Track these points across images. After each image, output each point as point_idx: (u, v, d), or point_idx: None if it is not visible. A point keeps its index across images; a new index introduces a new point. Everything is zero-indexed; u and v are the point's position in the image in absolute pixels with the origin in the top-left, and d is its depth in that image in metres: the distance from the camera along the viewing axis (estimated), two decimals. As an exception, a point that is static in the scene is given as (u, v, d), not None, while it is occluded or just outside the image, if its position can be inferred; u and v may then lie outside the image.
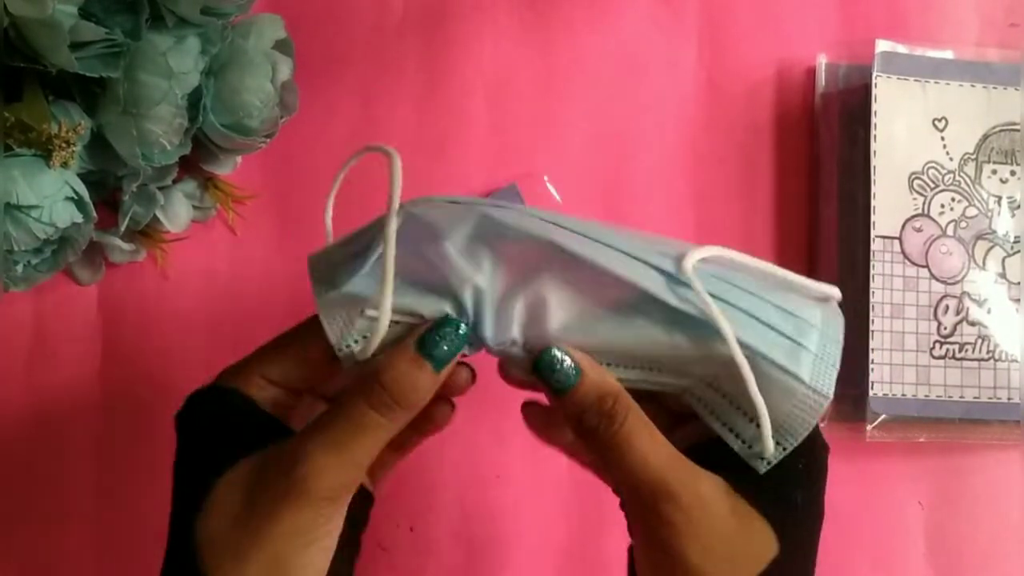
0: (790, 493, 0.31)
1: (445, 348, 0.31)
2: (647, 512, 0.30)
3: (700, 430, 0.33)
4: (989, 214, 0.50)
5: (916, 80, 0.50)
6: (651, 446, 0.31)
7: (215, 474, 0.31)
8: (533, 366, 0.32)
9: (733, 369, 0.30)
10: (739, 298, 0.31)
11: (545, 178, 0.43)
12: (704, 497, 0.30)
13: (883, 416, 0.48)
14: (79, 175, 0.42)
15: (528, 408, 0.37)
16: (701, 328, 0.31)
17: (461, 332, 0.31)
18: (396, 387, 0.30)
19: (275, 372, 0.33)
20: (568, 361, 0.31)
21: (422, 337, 0.31)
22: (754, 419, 0.31)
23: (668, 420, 0.34)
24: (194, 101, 0.43)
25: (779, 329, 0.31)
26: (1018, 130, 0.51)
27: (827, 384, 0.31)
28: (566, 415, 0.32)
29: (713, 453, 0.32)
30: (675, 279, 0.31)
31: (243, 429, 0.32)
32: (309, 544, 0.30)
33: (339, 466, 0.30)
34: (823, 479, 0.32)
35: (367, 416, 0.30)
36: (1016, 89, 0.51)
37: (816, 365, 0.31)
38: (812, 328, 0.32)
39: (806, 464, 0.32)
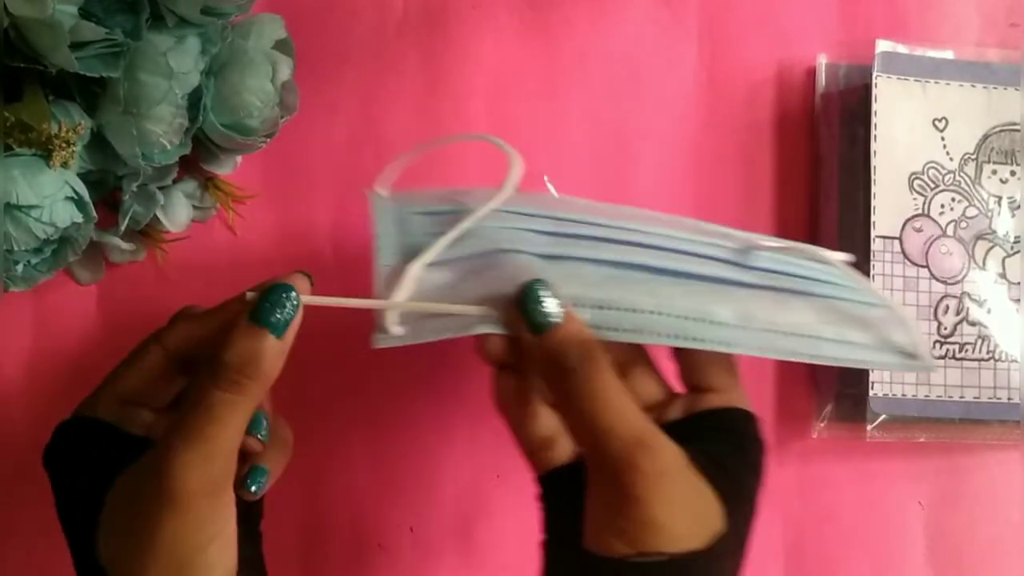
0: (742, 478, 0.34)
1: (279, 314, 0.31)
2: (620, 463, 0.31)
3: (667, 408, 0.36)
4: (989, 214, 0.50)
5: (916, 80, 0.50)
6: (627, 400, 0.32)
7: (97, 502, 0.31)
8: (518, 297, 0.32)
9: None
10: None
11: (545, 178, 0.43)
12: (675, 458, 0.31)
13: (883, 416, 0.48)
14: (79, 175, 0.42)
15: (502, 375, 0.36)
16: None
17: (292, 297, 0.31)
18: (238, 360, 0.30)
19: (122, 390, 0.35)
20: (553, 299, 0.32)
21: (253, 308, 0.31)
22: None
23: None
24: (194, 101, 0.43)
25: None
26: (1018, 130, 0.51)
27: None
28: (542, 355, 0.32)
29: (677, 429, 0.33)
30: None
31: (109, 452, 0.33)
32: (204, 546, 0.30)
33: (203, 458, 0.29)
34: (761, 460, 0.35)
35: (215, 397, 0.30)
36: (1016, 89, 0.51)
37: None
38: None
39: (747, 444, 0.35)
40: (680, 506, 0.31)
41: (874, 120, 0.49)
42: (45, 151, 0.40)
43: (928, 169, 0.50)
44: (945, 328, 0.49)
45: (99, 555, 0.30)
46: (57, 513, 0.33)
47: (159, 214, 0.46)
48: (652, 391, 0.37)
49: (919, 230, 0.49)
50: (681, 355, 0.37)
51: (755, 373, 0.51)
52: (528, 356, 0.33)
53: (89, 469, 0.32)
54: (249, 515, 0.35)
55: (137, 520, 0.30)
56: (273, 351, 0.30)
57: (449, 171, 0.51)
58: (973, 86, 0.51)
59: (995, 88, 0.51)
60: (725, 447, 0.34)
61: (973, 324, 0.49)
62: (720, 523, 0.32)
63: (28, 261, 0.43)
